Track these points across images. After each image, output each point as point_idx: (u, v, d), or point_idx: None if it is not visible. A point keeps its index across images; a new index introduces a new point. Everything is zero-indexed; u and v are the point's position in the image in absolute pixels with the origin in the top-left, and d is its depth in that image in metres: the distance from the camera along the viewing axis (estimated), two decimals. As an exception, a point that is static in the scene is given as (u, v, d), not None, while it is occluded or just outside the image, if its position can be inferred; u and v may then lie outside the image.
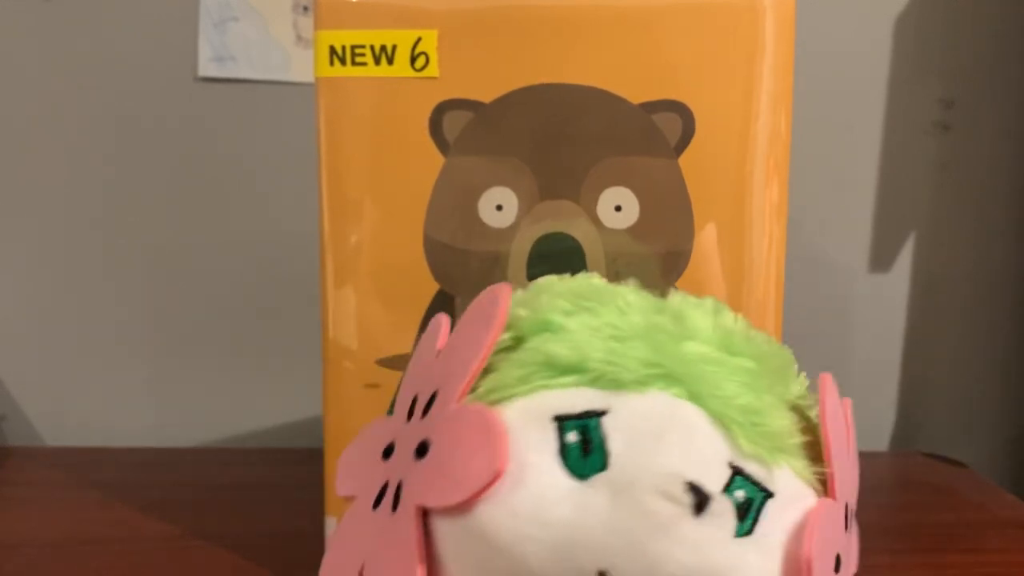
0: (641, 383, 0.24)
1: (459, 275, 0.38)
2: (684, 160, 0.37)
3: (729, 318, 0.27)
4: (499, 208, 0.38)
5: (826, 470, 0.25)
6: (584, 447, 0.23)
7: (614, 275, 0.38)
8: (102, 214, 0.64)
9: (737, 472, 0.23)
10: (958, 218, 0.68)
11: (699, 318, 0.26)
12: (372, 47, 0.37)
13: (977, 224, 0.68)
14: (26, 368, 0.66)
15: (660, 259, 0.38)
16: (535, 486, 0.23)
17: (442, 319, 0.27)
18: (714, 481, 0.23)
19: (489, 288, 0.25)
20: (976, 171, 0.68)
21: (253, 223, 0.65)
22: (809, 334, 0.67)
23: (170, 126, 0.64)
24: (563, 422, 0.23)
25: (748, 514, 0.23)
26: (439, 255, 0.38)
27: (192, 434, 0.66)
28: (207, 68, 0.63)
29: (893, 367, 0.69)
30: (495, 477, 0.22)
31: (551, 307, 0.26)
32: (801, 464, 0.25)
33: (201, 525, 0.48)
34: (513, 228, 0.38)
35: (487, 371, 0.25)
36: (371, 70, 0.37)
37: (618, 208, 0.38)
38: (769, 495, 0.24)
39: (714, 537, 0.22)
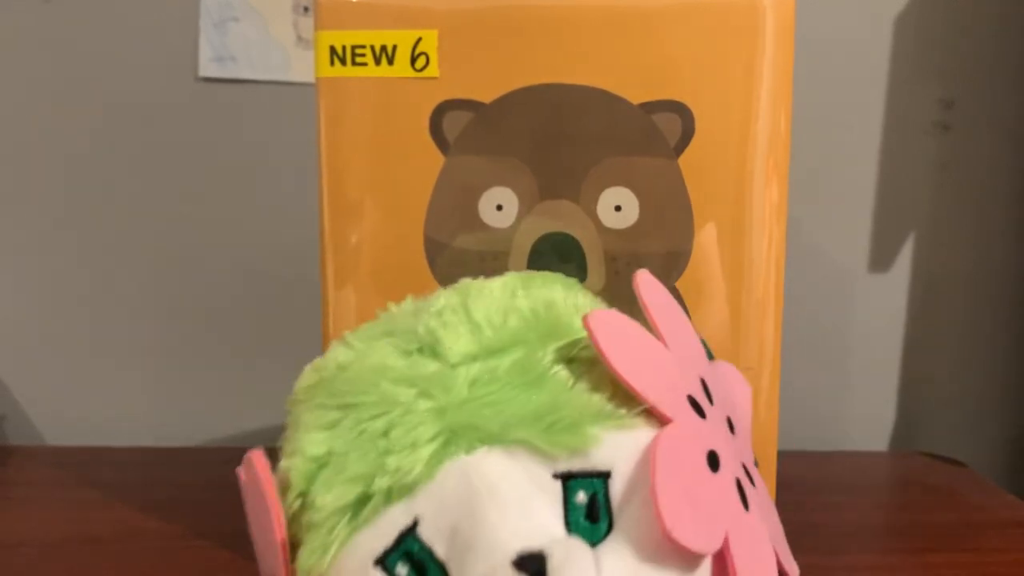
0: (429, 469, 0.22)
1: (459, 275, 0.38)
2: (684, 160, 0.37)
3: (482, 299, 0.26)
4: (499, 208, 0.38)
5: (643, 404, 0.23)
6: (418, 571, 0.22)
7: (614, 275, 0.38)
8: (102, 214, 0.64)
9: (566, 477, 0.22)
10: (958, 218, 0.68)
11: (451, 338, 0.25)
12: (372, 47, 0.37)
13: (977, 224, 0.68)
14: (26, 368, 0.66)
15: (660, 259, 0.38)
16: None
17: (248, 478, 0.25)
18: (545, 515, 0.22)
19: (245, 460, 0.24)
20: (976, 171, 0.68)
21: (253, 223, 0.65)
22: (809, 334, 0.67)
23: (170, 126, 0.64)
24: (385, 561, 0.22)
25: (599, 508, 0.22)
26: (439, 255, 0.38)
27: (192, 434, 0.66)
28: (207, 68, 0.63)
29: (893, 367, 0.69)
30: None
31: (308, 431, 0.24)
32: (617, 417, 0.23)
33: (201, 525, 0.48)
34: (513, 228, 0.38)
35: (296, 545, 0.24)
36: (371, 70, 0.37)
37: (618, 208, 0.38)
38: (606, 476, 0.22)
39: None
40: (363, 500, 0.23)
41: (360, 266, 0.38)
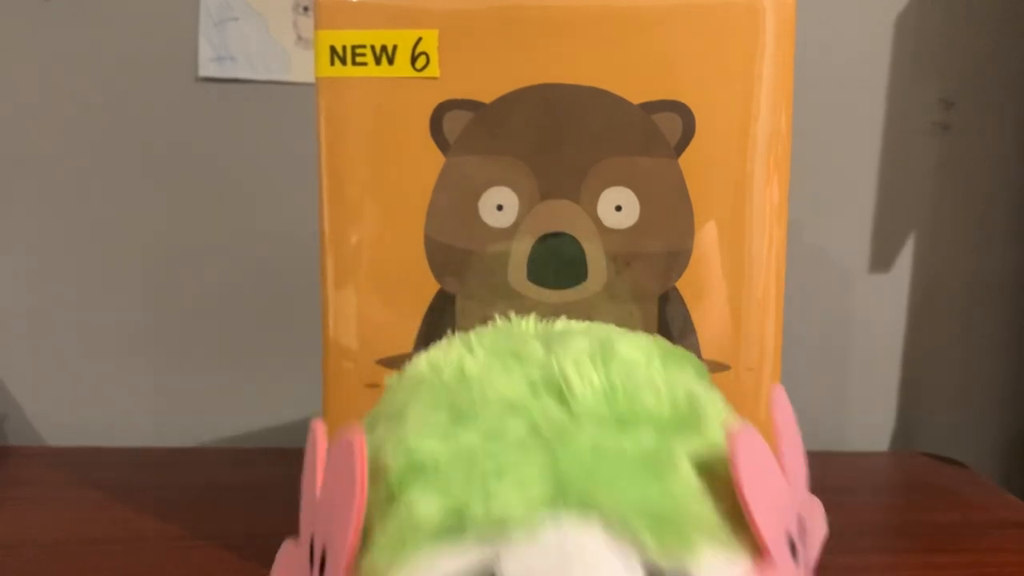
0: (528, 514, 0.21)
1: (459, 275, 0.38)
2: (684, 160, 0.37)
3: (619, 357, 0.25)
4: (499, 208, 0.38)
5: (757, 539, 0.22)
6: None
7: (614, 275, 0.38)
8: (102, 214, 0.64)
9: (658, 572, 0.21)
10: (958, 218, 0.68)
11: (583, 390, 0.24)
12: (372, 47, 0.37)
13: (977, 224, 0.68)
14: (26, 368, 0.66)
15: (660, 259, 0.38)
16: None
17: (317, 436, 0.25)
18: None
19: (343, 438, 0.23)
20: (976, 171, 0.68)
21: (253, 223, 0.65)
22: (809, 334, 0.67)
23: (170, 126, 0.64)
24: None
25: None
26: (439, 255, 0.38)
27: (192, 434, 0.66)
28: (207, 68, 0.63)
29: (893, 367, 0.69)
30: None
31: (418, 432, 0.23)
32: (725, 537, 0.22)
33: (201, 525, 0.48)
34: (513, 228, 0.38)
35: (367, 530, 0.23)
36: (371, 70, 0.37)
37: (618, 208, 0.38)
38: None
39: None
40: (454, 519, 0.22)
41: (360, 266, 0.38)
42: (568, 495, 0.22)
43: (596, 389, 0.24)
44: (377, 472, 0.23)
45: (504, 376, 0.24)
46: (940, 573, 0.44)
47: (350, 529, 0.22)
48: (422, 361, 0.27)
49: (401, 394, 0.26)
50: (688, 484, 0.23)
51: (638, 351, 0.26)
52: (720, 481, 0.23)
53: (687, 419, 0.24)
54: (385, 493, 0.23)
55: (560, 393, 0.24)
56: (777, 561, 0.22)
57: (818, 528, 0.27)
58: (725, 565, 0.22)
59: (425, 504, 0.22)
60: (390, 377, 0.27)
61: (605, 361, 0.25)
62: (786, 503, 0.24)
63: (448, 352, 0.26)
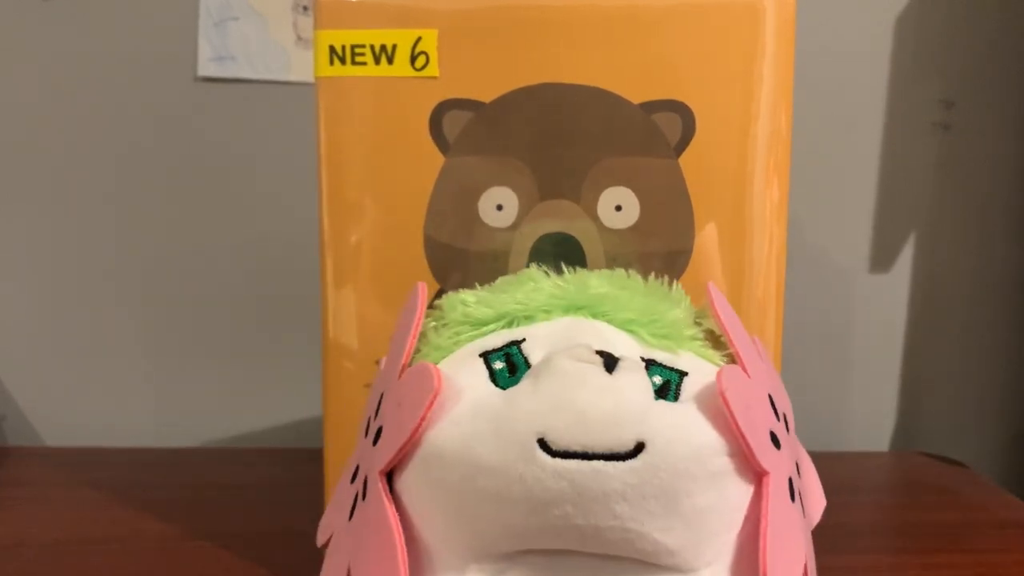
0: (548, 312, 0.28)
1: (459, 275, 0.38)
2: (684, 160, 0.37)
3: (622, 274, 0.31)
4: (499, 208, 0.38)
5: (730, 349, 0.27)
6: (510, 370, 0.26)
7: (614, 275, 0.38)
8: (102, 214, 0.64)
9: (650, 363, 0.26)
10: (958, 218, 0.68)
11: (594, 276, 0.30)
12: (372, 47, 0.37)
13: (977, 224, 0.68)
14: (26, 368, 0.66)
15: (660, 259, 0.38)
16: (470, 400, 0.25)
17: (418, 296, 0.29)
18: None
19: (415, 289, 0.29)
20: (976, 171, 0.68)
21: (253, 223, 0.65)
22: (809, 334, 0.67)
23: (170, 126, 0.64)
24: (489, 355, 0.27)
25: (668, 392, 0.26)
26: (439, 255, 0.38)
27: (192, 434, 0.66)
28: (207, 68, 0.63)
29: (893, 367, 0.69)
30: (433, 396, 0.25)
31: (461, 296, 0.30)
32: (706, 351, 0.28)
33: (201, 525, 0.48)
34: (513, 228, 0.38)
35: (419, 349, 0.29)
36: (371, 70, 0.37)
37: (618, 208, 0.38)
38: (684, 374, 0.26)
39: (630, 386, 0.24)
40: (490, 320, 0.28)
41: (360, 266, 0.38)
42: (579, 310, 0.28)
43: (601, 277, 0.30)
44: (432, 313, 0.30)
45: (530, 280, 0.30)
46: (940, 573, 0.44)
47: (408, 337, 0.27)
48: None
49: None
50: (673, 308, 0.29)
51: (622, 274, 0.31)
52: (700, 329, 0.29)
53: (667, 296, 0.30)
54: (436, 322, 0.29)
55: (577, 278, 0.30)
56: (774, 475, 0.26)
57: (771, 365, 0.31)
58: (707, 366, 0.27)
59: (470, 308, 0.29)
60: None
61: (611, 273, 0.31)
62: (762, 402, 0.27)
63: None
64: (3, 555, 0.45)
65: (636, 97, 0.37)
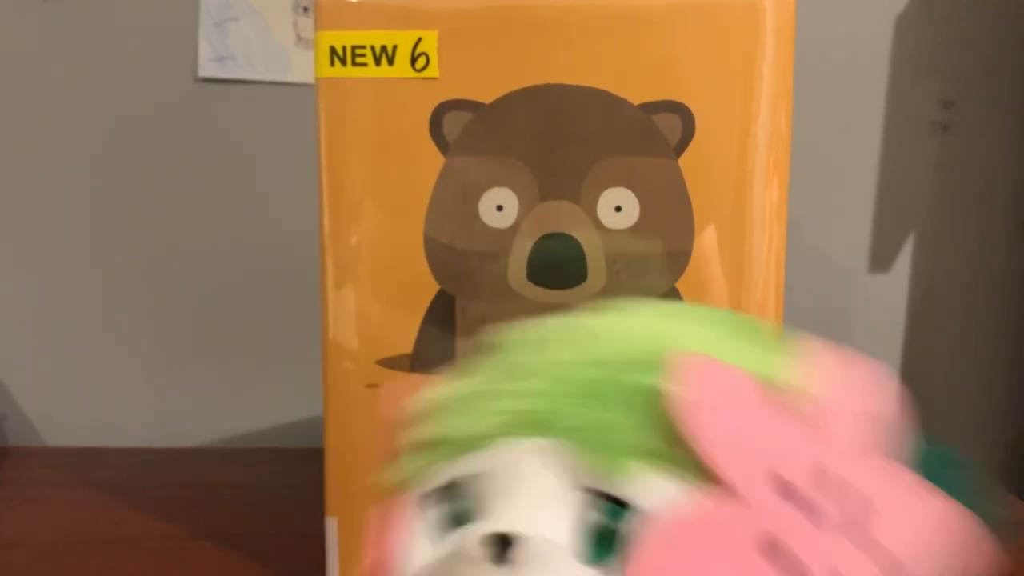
0: (490, 443, 0.23)
1: (459, 275, 0.38)
2: (684, 160, 0.37)
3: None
4: (499, 208, 0.38)
5: (712, 469, 0.21)
6: (451, 517, 0.24)
7: (614, 275, 0.38)
8: (102, 214, 0.64)
9: (594, 494, 0.21)
10: (958, 218, 0.68)
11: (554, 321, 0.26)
12: (372, 47, 0.37)
13: (977, 224, 0.68)
14: (26, 368, 0.66)
15: (660, 259, 0.38)
16: (405, 561, 0.24)
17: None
18: (554, 518, 0.22)
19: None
20: (976, 171, 0.68)
21: (253, 223, 0.65)
22: (809, 334, 0.67)
23: (170, 126, 0.64)
24: (427, 498, 0.24)
25: (609, 539, 0.21)
26: (439, 255, 0.38)
27: (192, 434, 0.66)
28: (207, 68, 0.63)
29: (893, 367, 0.69)
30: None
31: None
32: (671, 464, 0.21)
33: (201, 525, 0.48)
34: (513, 228, 0.38)
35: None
36: (371, 71, 0.37)
37: (618, 208, 0.38)
38: (631, 510, 0.21)
39: None
40: (436, 444, 0.25)
41: (360, 266, 0.38)
42: (525, 426, 0.23)
43: (561, 322, 0.26)
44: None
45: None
46: (940, 573, 0.44)
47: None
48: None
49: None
50: (632, 411, 0.22)
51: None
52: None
53: (648, 358, 0.24)
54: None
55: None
56: (745, 495, 0.21)
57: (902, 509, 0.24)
58: (660, 488, 0.21)
59: (422, 431, 0.25)
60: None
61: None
62: (774, 441, 0.22)
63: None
64: (3, 555, 0.45)
65: (636, 98, 0.37)
